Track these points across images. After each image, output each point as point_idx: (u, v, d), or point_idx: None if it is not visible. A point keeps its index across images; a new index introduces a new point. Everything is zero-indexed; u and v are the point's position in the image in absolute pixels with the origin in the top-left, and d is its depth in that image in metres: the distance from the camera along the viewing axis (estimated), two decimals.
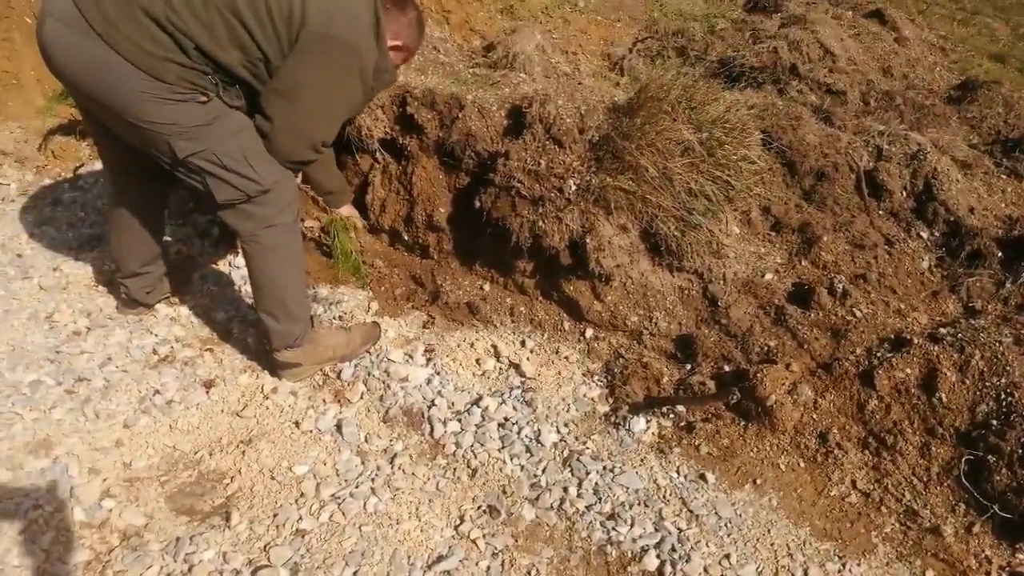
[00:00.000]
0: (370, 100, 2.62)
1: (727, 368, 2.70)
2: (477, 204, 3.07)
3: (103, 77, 2.12)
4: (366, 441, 2.53)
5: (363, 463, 2.44)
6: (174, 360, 2.87)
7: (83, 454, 2.40)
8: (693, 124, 2.90)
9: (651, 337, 2.89)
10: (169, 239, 3.40)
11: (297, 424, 2.57)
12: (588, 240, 2.84)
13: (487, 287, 3.22)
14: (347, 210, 3.35)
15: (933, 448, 2.36)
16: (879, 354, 2.54)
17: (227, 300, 3.22)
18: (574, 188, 2.88)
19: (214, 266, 3.42)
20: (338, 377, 2.80)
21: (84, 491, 2.22)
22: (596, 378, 2.84)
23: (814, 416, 2.47)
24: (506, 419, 2.63)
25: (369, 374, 2.80)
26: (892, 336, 2.62)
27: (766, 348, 2.68)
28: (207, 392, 2.70)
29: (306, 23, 2.21)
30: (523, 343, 3.00)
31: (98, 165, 4.05)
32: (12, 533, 2.09)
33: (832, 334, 2.67)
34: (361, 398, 2.71)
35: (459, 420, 2.61)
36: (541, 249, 2.95)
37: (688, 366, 2.78)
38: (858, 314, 2.68)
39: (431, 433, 2.57)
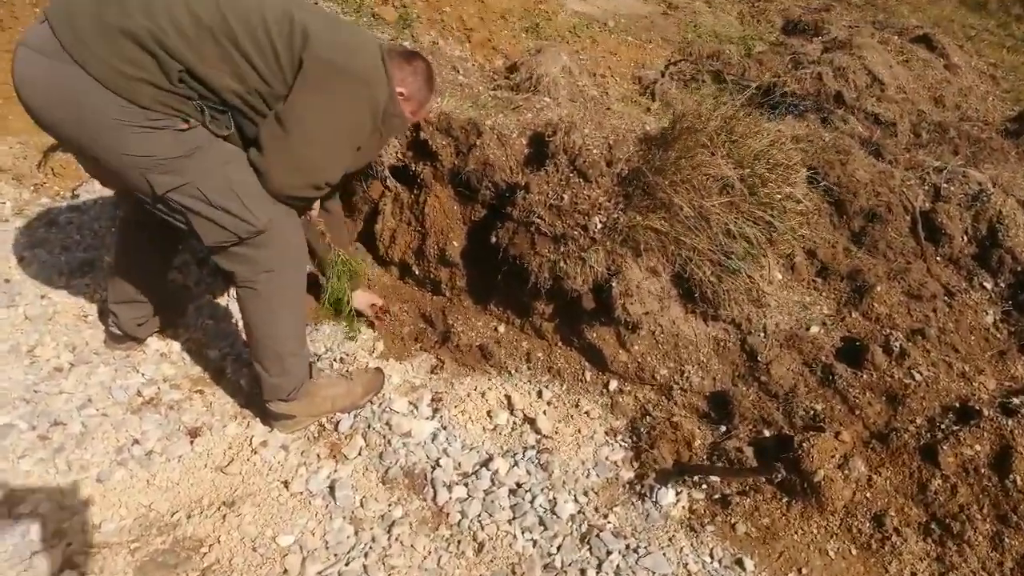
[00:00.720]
0: (381, 147, 2.37)
1: (767, 432, 2.41)
2: (493, 239, 2.82)
3: (73, 105, 1.90)
4: (361, 506, 2.27)
5: (356, 533, 2.18)
6: (159, 403, 2.63)
7: (48, 513, 2.16)
8: (733, 159, 2.63)
9: (682, 393, 2.61)
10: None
11: (286, 484, 2.31)
12: (614, 284, 2.58)
13: (502, 329, 2.96)
14: (364, 296, 3.04)
15: (1006, 539, 2.05)
16: (943, 426, 2.24)
17: (222, 335, 2.99)
18: (600, 226, 2.61)
19: (211, 297, 3.19)
20: (335, 429, 2.55)
21: (43, 559, 1.98)
22: (620, 438, 2.56)
23: (868, 495, 2.17)
24: (518, 484, 2.36)
25: (369, 426, 2.55)
26: (957, 404, 2.32)
27: (812, 412, 2.39)
28: (191, 442, 2.46)
29: (308, 45, 2.02)
30: (540, 394, 2.73)
31: (98, 185, 3.86)
32: None
33: (888, 399, 2.37)
34: (359, 454, 2.46)
35: (466, 484, 2.34)
36: (562, 291, 2.68)
37: (723, 428, 2.49)
38: (917, 377, 2.38)
39: (434, 498, 2.30)
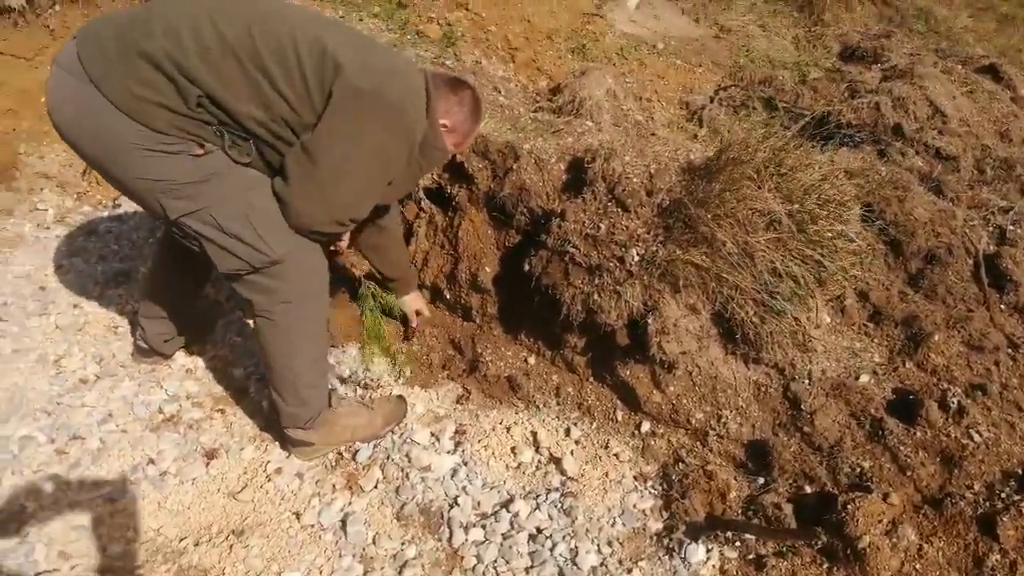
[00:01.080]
0: (417, 180, 2.26)
1: (808, 489, 2.25)
2: (526, 267, 2.72)
3: (90, 126, 1.87)
4: (373, 543, 2.18)
5: (366, 573, 2.09)
6: (179, 422, 2.59)
7: (57, 533, 2.12)
8: (782, 193, 2.49)
9: (718, 440, 2.47)
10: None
11: (297, 516, 2.23)
12: (650, 320, 2.45)
13: (532, 360, 2.85)
14: (414, 300, 2.94)
15: None
16: (1003, 494, 2.06)
17: (249, 354, 2.94)
18: (637, 259, 2.50)
19: (241, 314, 3.14)
20: (353, 458, 2.46)
21: None
22: (650, 484, 2.42)
23: (917, 567, 1.99)
24: (539, 530, 2.24)
25: (388, 457, 2.46)
26: (1019, 470, 2.13)
27: (858, 470, 2.22)
28: (207, 464, 2.41)
29: (340, 74, 1.92)
30: (568, 432, 2.61)
31: None
32: None
33: (943, 461, 2.19)
34: (376, 487, 2.37)
35: (483, 526, 2.23)
36: (595, 325, 2.57)
37: (761, 480, 2.34)
38: (976, 438, 2.20)
39: (450, 540, 2.19)
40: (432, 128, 2.16)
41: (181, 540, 2.14)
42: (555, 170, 2.87)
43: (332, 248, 2.47)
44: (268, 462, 2.43)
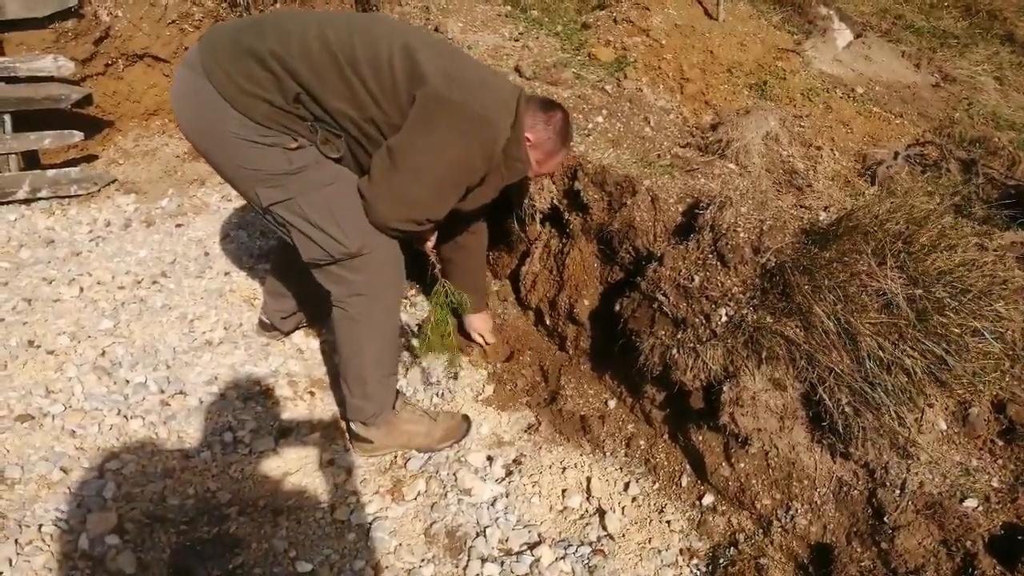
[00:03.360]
0: (499, 189, 2.33)
1: None
2: (617, 308, 2.62)
3: (198, 114, 2.08)
4: (393, 553, 2.21)
5: None
6: (269, 396, 2.79)
7: (131, 475, 2.37)
8: (908, 274, 2.17)
9: (782, 533, 2.21)
10: None
11: (332, 509, 2.32)
12: (725, 388, 2.25)
13: (612, 404, 2.74)
14: (478, 320, 2.97)
15: None
16: None
17: None
18: (724, 319, 2.30)
19: None
20: (405, 465, 2.51)
21: (100, 519, 2.16)
22: (695, 563, 2.23)
23: None
24: None
25: (436, 472, 2.48)
26: None
27: None
28: (276, 441, 2.57)
29: (426, 81, 2.03)
30: (627, 486, 2.47)
31: None
32: (23, 540, 2.08)
33: None
34: (415, 498, 2.40)
35: (502, 563, 2.18)
36: (671, 382, 2.41)
37: None
38: None
39: (465, 568, 2.17)
40: (516, 140, 2.21)
41: (228, 507, 2.31)
42: (671, 211, 2.72)
43: (418, 248, 2.55)
44: (329, 450, 2.55)
